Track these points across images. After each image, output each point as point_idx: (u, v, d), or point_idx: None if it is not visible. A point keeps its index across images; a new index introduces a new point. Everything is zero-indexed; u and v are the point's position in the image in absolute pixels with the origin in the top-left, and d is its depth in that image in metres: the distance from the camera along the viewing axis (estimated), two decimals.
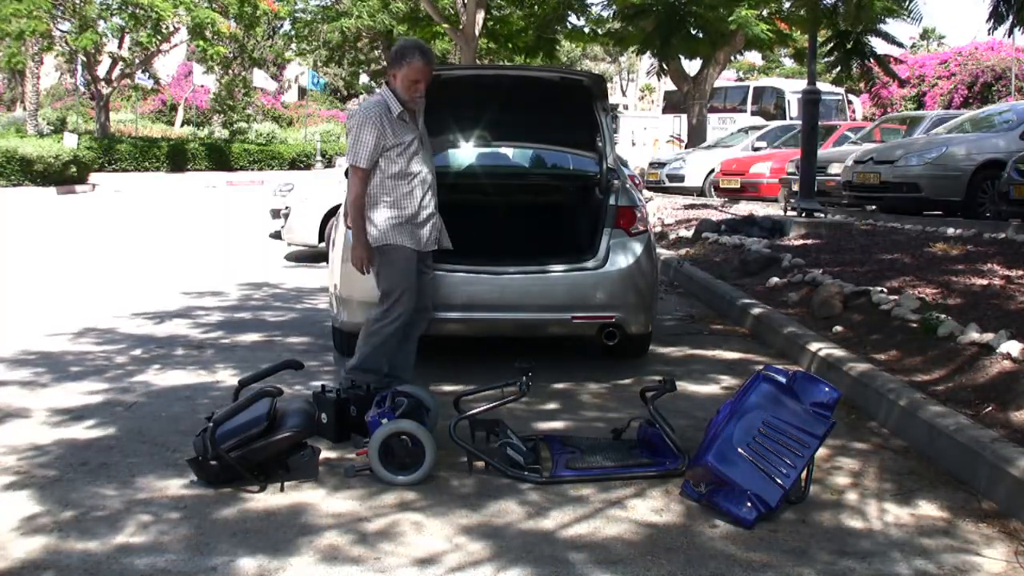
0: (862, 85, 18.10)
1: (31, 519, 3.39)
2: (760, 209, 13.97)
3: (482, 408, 4.10)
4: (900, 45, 16.62)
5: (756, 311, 6.89)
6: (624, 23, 20.64)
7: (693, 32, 19.65)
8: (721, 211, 14.50)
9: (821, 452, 3.83)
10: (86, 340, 6.44)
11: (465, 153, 6.64)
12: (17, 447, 4.17)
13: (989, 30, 9.22)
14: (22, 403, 4.90)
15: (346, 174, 6.93)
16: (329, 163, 29.52)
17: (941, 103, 27.32)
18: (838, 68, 13.47)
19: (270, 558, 3.09)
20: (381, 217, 4.54)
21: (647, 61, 22.29)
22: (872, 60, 13.38)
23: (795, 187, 13.08)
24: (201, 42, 29.60)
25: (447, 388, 5.10)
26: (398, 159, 4.53)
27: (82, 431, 4.42)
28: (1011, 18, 8.69)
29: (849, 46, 12.62)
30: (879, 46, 14.20)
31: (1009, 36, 10.62)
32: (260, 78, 37.13)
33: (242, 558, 3.08)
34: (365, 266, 4.59)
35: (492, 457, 3.91)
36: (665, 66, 21.20)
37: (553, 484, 3.79)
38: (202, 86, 38.03)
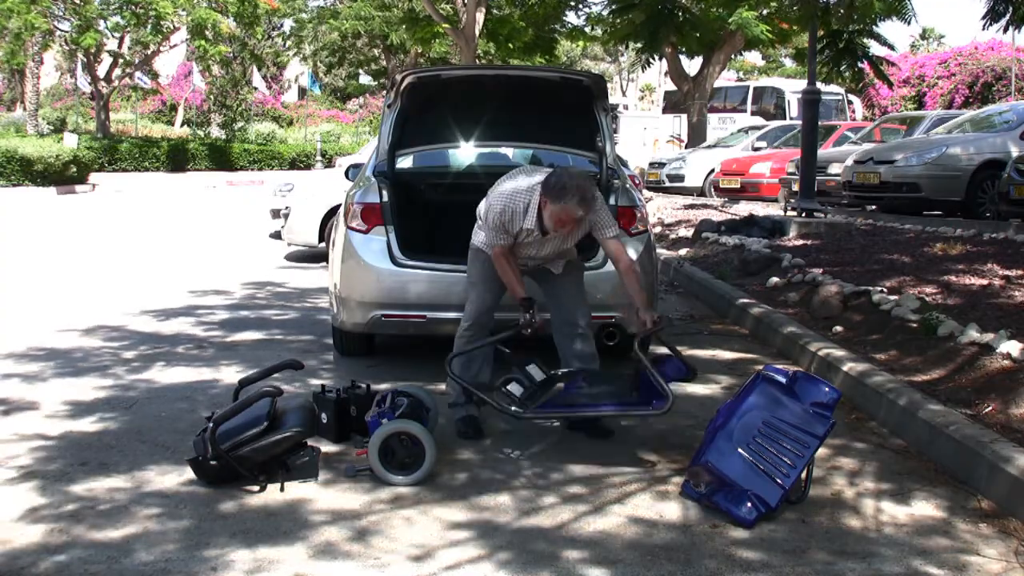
0: (854, 86, 18.02)
1: (32, 514, 3.40)
2: (760, 209, 13.96)
3: (479, 344, 4.33)
4: (892, 47, 16.57)
5: (756, 311, 6.89)
6: (614, 15, 20.61)
7: (683, 28, 19.59)
8: (721, 211, 14.50)
9: (821, 452, 3.83)
10: (91, 337, 6.45)
11: (465, 153, 6.64)
12: (21, 441, 4.19)
13: (984, 26, 9.19)
14: (29, 397, 4.94)
15: (347, 174, 7.00)
16: (329, 163, 29.49)
17: (942, 103, 27.31)
18: (829, 67, 13.43)
19: (269, 558, 3.10)
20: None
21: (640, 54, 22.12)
22: (864, 61, 13.34)
23: (795, 187, 13.07)
24: (201, 42, 29.61)
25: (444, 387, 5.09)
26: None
27: (85, 427, 4.44)
28: (1008, 15, 8.65)
29: (841, 45, 12.59)
30: (871, 47, 14.17)
31: (1005, 32, 10.58)
32: (256, 78, 37.14)
33: (241, 558, 3.09)
34: (534, 315, 4.29)
35: (488, 392, 4.03)
36: (651, 60, 21.17)
37: (536, 419, 3.88)
38: (203, 85, 38.00)
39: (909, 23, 12.08)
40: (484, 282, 4.52)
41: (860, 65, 13.30)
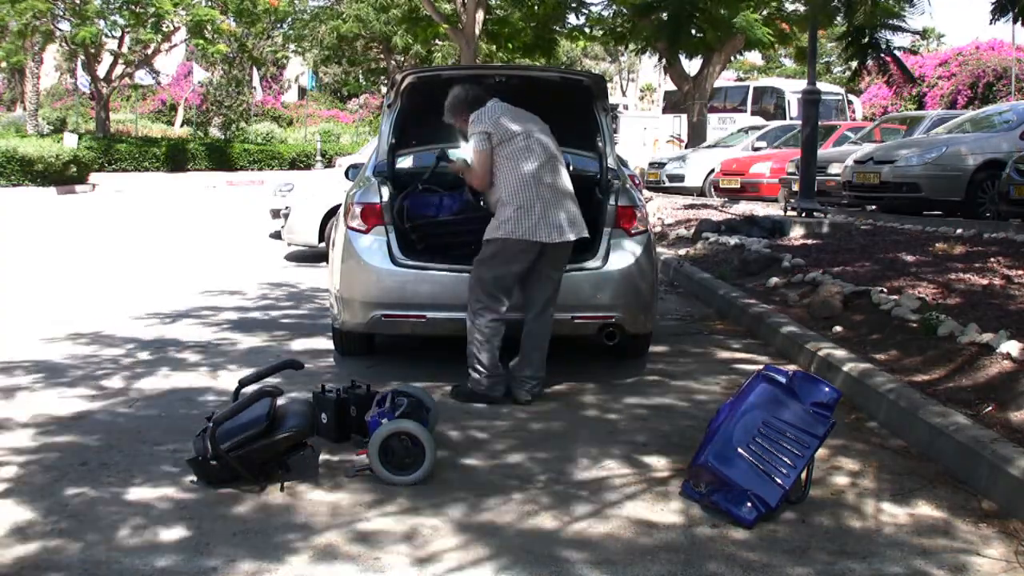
0: (884, 80, 17.71)
1: (32, 519, 3.39)
2: (760, 209, 13.97)
3: None
4: (915, 33, 16.42)
5: (756, 311, 6.89)
6: (633, 16, 20.51)
7: (702, 27, 19.55)
8: (721, 211, 14.49)
9: (821, 452, 3.83)
10: (92, 337, 6.43)
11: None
12: (19, 446, 4.17)
13: (992, 19, 9.10)
14: (29, 397, 4.93)
15: (346, 174, 6.99)
16: (329, 163, 29.45)
17: (943, 103, 27.29)
18: (854, 62, 13.31)
19: (269, 558, 3.09)
20: None
21: (648, 60, 22.11)
22: (888, 57, 13.24)
23: (795, 187, 13.07)
24: (201, 40, 29.58)
25: (447, 388, 5.10)
26: None
27: (85, 427, 4.43)
28: (1014, 9, 8.60)
29: (864, 40, 12.50)
30: (894, 40, 14.02)
31: (1015, 23, 10.48)
32: (255, 79, 37.16)
33: (241, 558, 3.09)
34: None
35: None
36: (671, 61, 21.10)
37: None
38: (200, 84, 37.98)
39: (923, 11, 11.99)
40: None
41: (884, 59, 13.18)
